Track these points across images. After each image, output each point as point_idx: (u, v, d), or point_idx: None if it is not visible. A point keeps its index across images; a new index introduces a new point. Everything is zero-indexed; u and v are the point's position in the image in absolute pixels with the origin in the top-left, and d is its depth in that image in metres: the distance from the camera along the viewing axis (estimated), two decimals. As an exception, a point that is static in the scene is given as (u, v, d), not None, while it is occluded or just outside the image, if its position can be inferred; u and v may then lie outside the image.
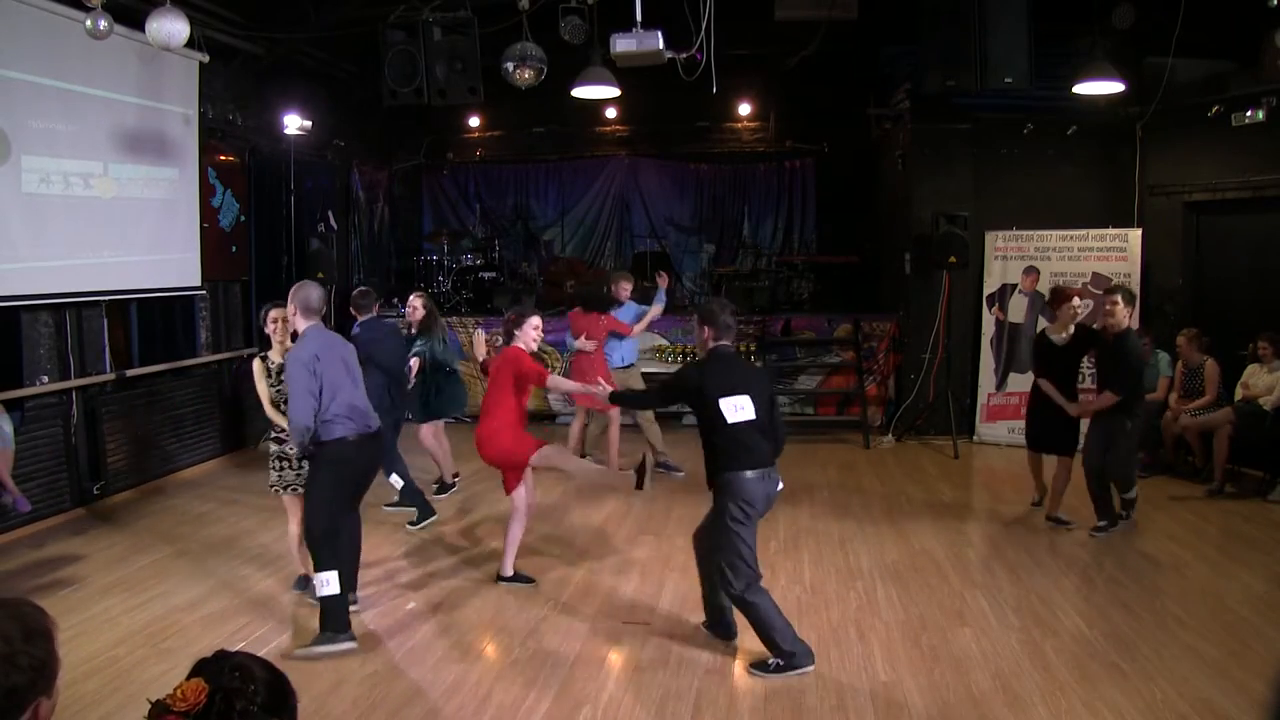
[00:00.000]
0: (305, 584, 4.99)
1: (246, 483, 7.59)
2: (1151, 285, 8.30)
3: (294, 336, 4.73)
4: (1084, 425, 6.06)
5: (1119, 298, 5.72)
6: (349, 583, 4.66)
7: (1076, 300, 6.07)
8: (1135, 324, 6.29)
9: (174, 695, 1.36)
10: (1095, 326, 6.14)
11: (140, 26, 5.51)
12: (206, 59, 7.56)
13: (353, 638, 4.37)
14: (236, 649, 1.50)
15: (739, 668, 4.15)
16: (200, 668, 1.44)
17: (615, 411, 7.22)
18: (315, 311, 4.57)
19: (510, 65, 6.15)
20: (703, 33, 5.32)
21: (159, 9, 5.27)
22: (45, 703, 1.41)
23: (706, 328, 4.26)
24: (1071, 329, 6.04)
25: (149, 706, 1.38)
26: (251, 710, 1.40)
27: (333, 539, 4.46)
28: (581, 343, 7.40)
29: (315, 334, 4.53)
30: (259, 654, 1.52)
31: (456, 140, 12.79)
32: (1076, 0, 6.89)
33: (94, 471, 6.86)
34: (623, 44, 5.39)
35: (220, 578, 5.35)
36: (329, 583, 4.34)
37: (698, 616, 4.68)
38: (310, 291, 4.59)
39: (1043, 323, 8.48)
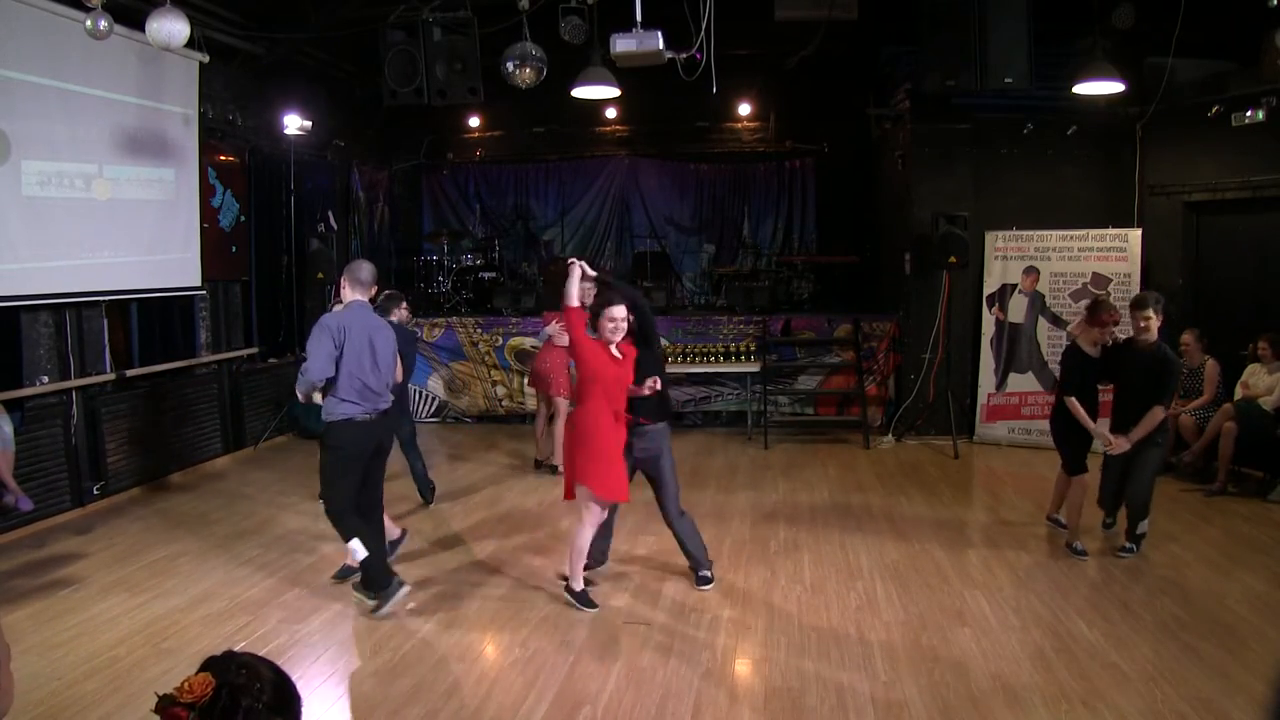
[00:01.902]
0: (347, 574, 5.10)
1: (246, 482, 7.60)
2: (1151, 285, 8.27)
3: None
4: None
5: (1151, 312, 5.33)
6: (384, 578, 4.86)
7: (1114, 327, 5.58)
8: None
9: (181, 687, 1.39)
10: (1124, 339, 5.65)
11: (140, 26, 5.51)
12: (206, 59, 7.56)
13: (402, 582, 4.80)
14: (240, 649, 1.51)
15: (738, 668, 4.16)
16: (208, 664, 1.46)
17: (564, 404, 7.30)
18: (363, 284, 4.81)
19: (510, 65, 6.15)
20: (703, 33, 5.32)
21: (159, 9, 5.27)
22: None
23: None
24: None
25: (156, 700, 1.39)
26: (256, 708, 1.42)
27: (348, 516, 4.74)
28: (552, 328, 7.51)
29: (356, 308, 4.78)
30: (260, 654, 1.54)
31: (456, 140, 12.78)
32: (1076, 0, 6.88)
33: (94, 471, 6.86)
34: (623, 44, 5.39)
35: (220, 577, 5.35)
36: (358, 549, 4.66)
37: (699, 616, 4.69)
38: (360, 266, 4.86)
39: (1044, 325, 8.54)
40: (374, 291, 4.96)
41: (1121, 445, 5.44)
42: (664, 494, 5.00)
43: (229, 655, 1.49)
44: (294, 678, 1.54)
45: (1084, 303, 8.14)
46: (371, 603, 4.73)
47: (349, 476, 4.78)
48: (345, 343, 4.61)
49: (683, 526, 5.08)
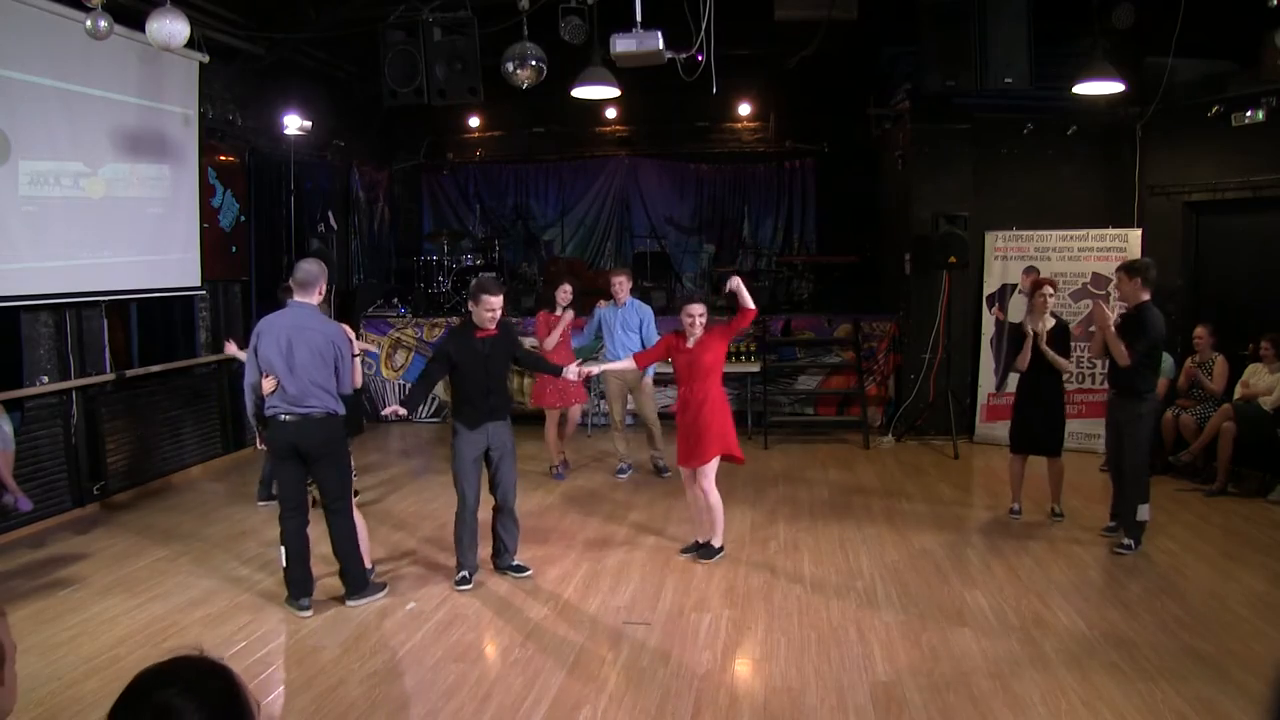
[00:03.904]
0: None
1: (247, 482, 7.59)
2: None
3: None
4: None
5: (1120, 275, 5.65)
6: (298, 588, 4.82)
7: (1048, 287, 6.06)
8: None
9: None
10: (1120, 308, 6.00)
11: (140, 26, 5.51)
12: (206, 59, 7.56)
13: (304, 606, 4.77)
14: (187, 656, 1.26)
15: (738, 668, 4.16)
16: (116, 706, 1.21)
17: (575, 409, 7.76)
18: (301, 286, 4.78)
19: (510, 65, 6.15)
20: (703, 33, 5.32)
21: (159, 9, 5.27)
22: None
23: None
24: (1051, 321, 6.00)
25: None
26: None
27: (283, 516, 4.80)
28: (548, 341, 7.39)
29: (287, 310, 4.80)
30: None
31: (456, 140, 12.79)
32: (1076, 0, 6.89)
33: (94, 471, 6.86)
34: (623, 44, 5.40)
35: (220, 578, 5.35)
36: (281, 555, 4.84)
37: (699, 616, 4.69)
38: (296, 266, 4.83)
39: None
40: (321, 288, 4.83)
41: (1101, 312, 5.68)
42: (508, 481, 5.27)
43: (142, 691, 1.22)
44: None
45: (1084, 303, 8.19)
46: (290, 606, 4.83)
47: (279, 474, 4.92)
48: (258, 345, 4.69)
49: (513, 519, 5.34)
